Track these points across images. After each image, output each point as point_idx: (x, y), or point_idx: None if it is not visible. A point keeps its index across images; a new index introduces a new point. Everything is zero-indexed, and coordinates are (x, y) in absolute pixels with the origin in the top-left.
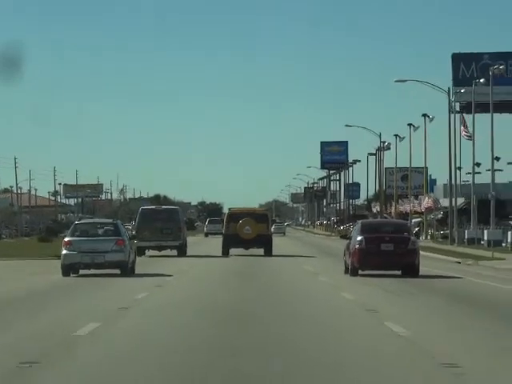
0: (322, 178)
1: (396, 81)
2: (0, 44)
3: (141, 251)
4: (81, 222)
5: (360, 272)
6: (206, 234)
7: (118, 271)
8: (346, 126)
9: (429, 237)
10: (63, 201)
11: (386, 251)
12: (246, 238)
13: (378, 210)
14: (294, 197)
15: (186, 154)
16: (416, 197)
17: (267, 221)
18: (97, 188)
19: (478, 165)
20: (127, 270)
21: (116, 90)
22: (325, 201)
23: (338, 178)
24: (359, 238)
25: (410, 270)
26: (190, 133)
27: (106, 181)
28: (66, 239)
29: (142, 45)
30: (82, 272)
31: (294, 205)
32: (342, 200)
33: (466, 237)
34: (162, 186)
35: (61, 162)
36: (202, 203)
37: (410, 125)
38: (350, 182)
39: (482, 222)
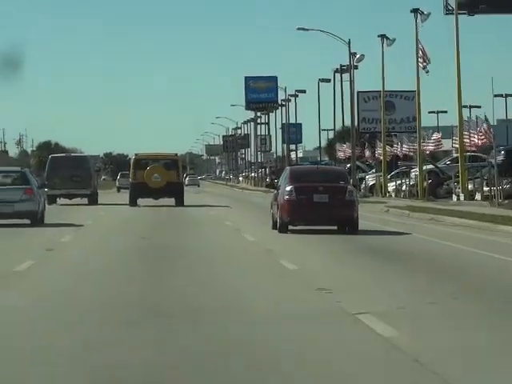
0: (245, 122)
1: None
2: None
3: (51, 199)
4: None
5: (290, 227)
6: (119, 189)
7: (27, 221)
8: (299, 29)
9: (478, 196)
10: None
11: (320, 203)
12: (154, 187)
13: (347, 155)
14: (210, 149)
15: (89, 101)
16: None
17: (178, 167)
18: None
19: None
20: (37, 220)
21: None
22: (248, 150)
23: (266, 121)
24: (288, 187)
25: (347, 224)
26: (93, 77)
27: None
28: None
29: None
30: None
31: (210, 157)
32: (273, 147)
33: None
34: (66, 137)
35: None
36: (108, 154)
37: (415, 11)
38: (287, 123)
39: None
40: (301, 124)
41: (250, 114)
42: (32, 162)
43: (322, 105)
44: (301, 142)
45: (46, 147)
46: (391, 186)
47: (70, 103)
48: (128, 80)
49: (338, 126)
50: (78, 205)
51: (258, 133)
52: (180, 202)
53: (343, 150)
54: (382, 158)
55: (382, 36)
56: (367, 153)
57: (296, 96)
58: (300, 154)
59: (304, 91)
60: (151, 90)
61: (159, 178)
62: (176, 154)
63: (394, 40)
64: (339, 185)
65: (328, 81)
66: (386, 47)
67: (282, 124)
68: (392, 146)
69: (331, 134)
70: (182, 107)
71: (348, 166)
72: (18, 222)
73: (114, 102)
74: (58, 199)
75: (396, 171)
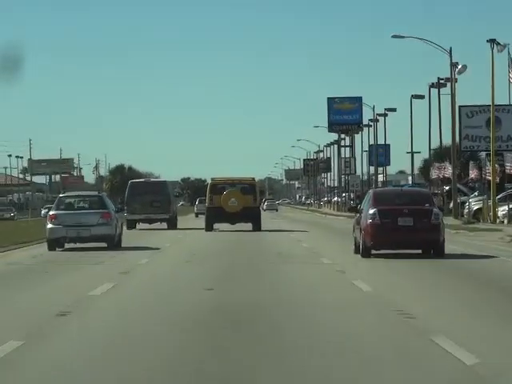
0: (328, 145)
1: None
2: None
3: (131, 224)
4: (65, 194)
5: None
6: (197, 215)
7: (104, 244)
8: (394, 37)
9: None
10: (28, 178)
11: (405, 227)
12: (231, 212)
13: (445, 174)
14: (289, 173)
15: (164, 127)
16: None
17: (255, 191)
18: (66, 163)
19: None
20: (114, 243)
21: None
22: (330, 174)
23: (350, 144)
24: (372, 210)
25: (433, 248)
26: (170, 102)
27: (69, 155)
28: (51, 213)
29: None
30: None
31: (290, 182)
32: (358, 171)
33: None
34: (142, 163)
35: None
36: (185, 179)
37: None
38: (375, 144)
39: None
40: (389, 145)
41: (333, 137)
42: (105, 186)
43: (407, 125)
44: (389, 165)
45: (119, 171)
46: (501, 211)
47: (147, 128)
48: (206, 104)
49: (434, 144)
50: (156, 229)
51: (341, 155)
52: (257, 227)
53: (440, 172)
54: (489, 179)
55: (492, 41)
56: (474, 173)
57: (385, 115)
58: (383, 178)
59: (394, 109)
60: (229, 113)
61: (236, 203)
62: (253, 179)
63: (506, 45)
64: (424, 207)
65: (421, 97)
66: (497, 53)
67: (370, 145)
68: (503, 166)
69: (418, 157)
70: (262, 131)
71: (447, 188)
72: (95, 246)
73: (192, 127)
74: (137, 224)
75: (505, 193)
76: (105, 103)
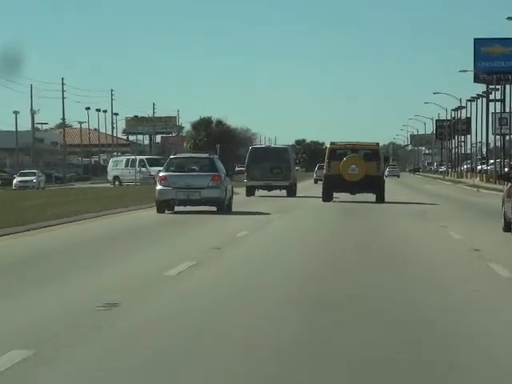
0: (471, 100)
1: None
2: None
3: (250, 191)
4: (176, 156)
5: None
6: (316, 181)
7: (214, 208)
8: None
9: None
10: (125, 137)
11: None
12: (351, 180)
13: None
14: (415, 138)
15: (277, 85)
16: None
17: (379, 158)
18: (168, 122)
19: None
20: (224, 207)
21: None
22: (469, 137)
23: (499, 98)
24: None
25: None
26: (277, 56)
27: (165, 112)
28: (161, 174)
29: None
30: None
31: (418, 147)
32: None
33: None
34: (253, 124)
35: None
36: (300, 142)
37: None
38: None
39: None
40: None
41: (478, 90)
42: (186, 145)
43: None
44: None
45: (204, 126)
46: None
47: (248, 84)
48: (320, 54)
49: None
50: (275, 197)
51: (493, 109)
52: (380, 199)
53: None
54: None
55: None
56: None
57: None
58: None
59: None
60: (349, 66)
61: (357, 171)
62: (377, 144)
63: None
64: None
65: None
66: None
67: None
68: None
69: None
70: (388, 88)
71: None
72: (205, 209)
73: (307, 82)
74: (256, 190)
75: None
76: (199, 53)
